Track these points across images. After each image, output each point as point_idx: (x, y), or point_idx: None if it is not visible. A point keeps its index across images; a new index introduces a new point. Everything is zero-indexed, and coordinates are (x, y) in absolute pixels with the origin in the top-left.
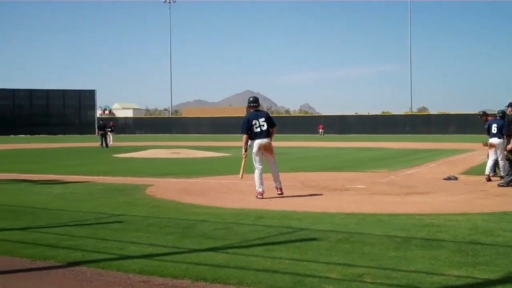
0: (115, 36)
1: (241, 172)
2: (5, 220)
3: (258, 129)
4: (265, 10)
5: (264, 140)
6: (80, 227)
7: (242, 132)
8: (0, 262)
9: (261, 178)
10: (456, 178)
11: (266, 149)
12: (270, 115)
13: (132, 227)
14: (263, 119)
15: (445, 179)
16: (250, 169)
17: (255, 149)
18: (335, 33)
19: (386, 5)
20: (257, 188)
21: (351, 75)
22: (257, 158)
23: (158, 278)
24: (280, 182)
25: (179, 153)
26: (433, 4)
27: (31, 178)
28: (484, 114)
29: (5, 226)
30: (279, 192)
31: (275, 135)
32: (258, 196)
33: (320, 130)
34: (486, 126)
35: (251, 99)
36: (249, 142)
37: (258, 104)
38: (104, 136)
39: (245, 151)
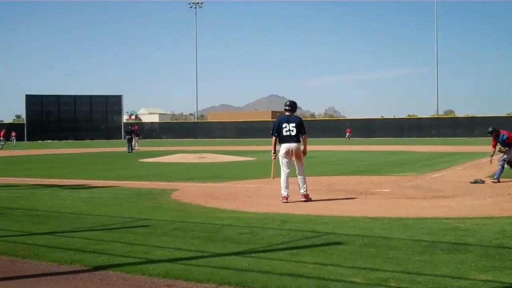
0: (142, 42)
1: (271, 173)
2: (32, 224)
3: (287, 133)
4: (291, 13)
5: (291, 145)
6: (106, 232)
7: (272, 134)
8: (26, 266)
9: (286, 182)
10: (483, 182)
11: (293, 154)
12: (303, 122)
13: (157, 232)
14: (293, 124)
15: (472, 182)
16: (279, 172)
17: (282, 152)
18: (361, 36)
19: (412, 7)
20: (282, 192)
21: (376, 78)
22: (284, 161)
23: (183, 282)
24: (305, 189)
25: (204, 157)
26: (461, 5)
27: (58, 183)
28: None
29: (32, 230)
30: (303, 199)
31: (306, 143)
32: (283, 200)
33: (348, 134)
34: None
35: (287, 102)
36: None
37: (293, 109)
38: (130, 141)
39: (274, 152)
